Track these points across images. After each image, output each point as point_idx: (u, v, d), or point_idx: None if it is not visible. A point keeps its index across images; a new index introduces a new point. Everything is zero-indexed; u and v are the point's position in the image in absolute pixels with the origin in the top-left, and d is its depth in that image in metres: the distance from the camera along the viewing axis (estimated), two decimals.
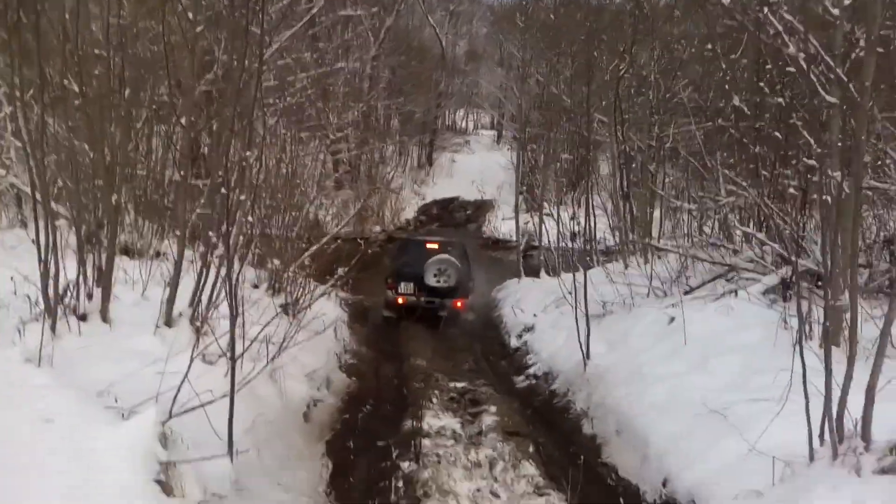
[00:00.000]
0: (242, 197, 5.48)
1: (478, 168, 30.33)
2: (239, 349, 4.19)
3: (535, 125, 20.81)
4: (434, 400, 7.09)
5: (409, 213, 25.99)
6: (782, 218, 7.50)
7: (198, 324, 5.71)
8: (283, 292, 8.23)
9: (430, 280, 11.59)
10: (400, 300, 11.69)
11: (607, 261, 15.17)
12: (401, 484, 4.95)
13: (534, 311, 11.49)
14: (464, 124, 45.30)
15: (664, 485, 4.70)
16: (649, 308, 8.16)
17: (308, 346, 7.56)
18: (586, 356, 7.25)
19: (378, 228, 23.34)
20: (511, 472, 5.15)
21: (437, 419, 6.18)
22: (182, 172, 5.84)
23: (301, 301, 8.17)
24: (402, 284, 11.67)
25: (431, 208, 27.88)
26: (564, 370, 7.99)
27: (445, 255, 11.81)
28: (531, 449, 5.67)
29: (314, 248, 8.17)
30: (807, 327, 5.83)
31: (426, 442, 5.75)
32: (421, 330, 12.02)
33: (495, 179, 26.86)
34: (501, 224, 23.46)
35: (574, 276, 11.40)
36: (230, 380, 4.05)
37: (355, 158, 27.12)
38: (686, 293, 8.68)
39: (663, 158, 13.92)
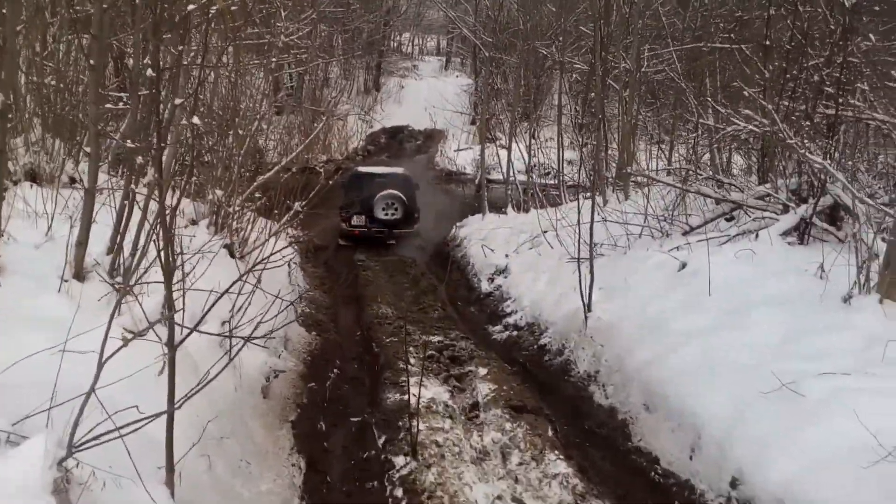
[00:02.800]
0: (179, 101, 4.15)
1: (427, 95, 28.71)
2: (178, 336, 2.94)
3: (490, 49, 19.47)
4: (411, 360, 6.04)
5: (357, 141, 24.35)
6: (803, 146, 6.58)
7: (118, 279, 4.42)
8: (226, 229, 6.91)
9: (380, 214, 12.59)
10: (353, 231, 12.69)
11: (575, 198, 14.37)
12: (400, 493, 3.91)
13: (505, 251, 10.50)
14: (409, 49, 43.12)
15: (733, 485, 3.81)
16: (649, 250, 7.24)
17: (259, 295, 6.36)
18: (587, 307, 6.28)
19: (324, 158, 21.76)
20: (534, 467, 4.17)
21: (422, 388, 5.13)
22: (92, 62, 4.38)
23: (250, 240, 6.89)
24: (355, 217, 12.64)
25: (380, 137, 26.30)
26: (554, 321, 7.04)
27: (393, 191, 12.64)
28: (549, 432, 4.69)
29: (264, 177, 6.83)
30: (861, 276, 4.98)
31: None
32: (380, 272, 10.93)
33: (445, 107, 25.39)
34: (456, 155, 22.23)
35: (551, 211, 10.63)
36: (168, 382, 2.82)
37: (298, 80, 25.16)
38: (685, 233, 7.80)
39: (641, 84, 12.89)
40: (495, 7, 21.01)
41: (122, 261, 4.63)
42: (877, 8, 7.96)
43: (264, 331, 5.02)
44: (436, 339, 7.22)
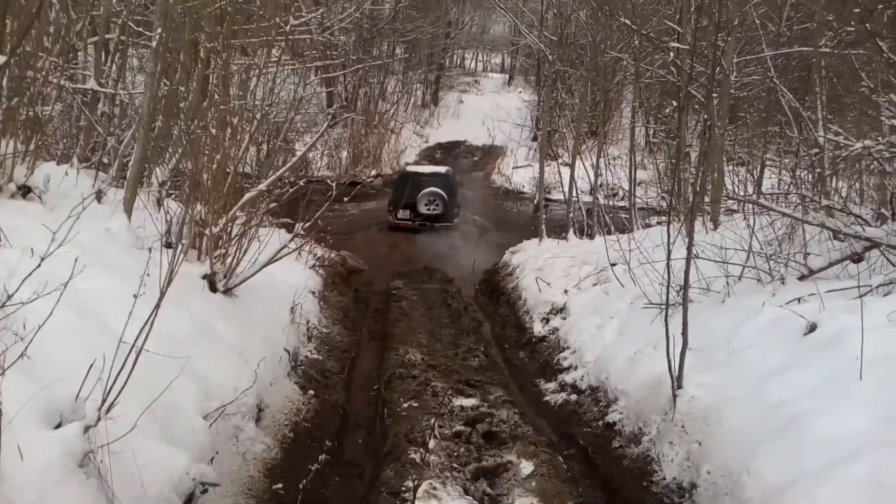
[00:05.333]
0: None
1: (487, 111, 27.24)
2: None
3: (555, 59, 17.94)
4: (430, 443, 4.42)
5: (410, 155, 23.05)
6: None
7: None
8: (212, 254, 5.47)
9: (422, 209, 14.11)
10: (399, 224, 14.20)
11: (649, 225, 12.52)
12: None
13: (564, 285, 8.81)
14: (473, 65, 41.96)
15: None
16: (759, 300, 5.44)
17: (241, 339, 4.88)
18: (677, 383, 4.53)
19: (373, 172, 20.51)
20: None
21: (435, 501, 3.52)
22: None
23: (237, 269, 5.44)
24: (400, 212, 14.21)
25: (435, 152, 24.98)
26: (626, 391, 5.31)
27: (435, 189, 14.12)
28: None
29: (248, 195, 5.36)
30: None
31: None
32: (417, 303, 9.39)
33: (506, 124, 23.85)
34: (513, 173, 20.63)
35: (622, 239, 8.83)
36: None
37: (353, 91, 24.10)
38: (803, 278, 5.97)
39: (730, 94, 11.02)
40: (563, 17, 19.55)
41: None
42: None
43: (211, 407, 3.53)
44: (470, 402, 5.59)
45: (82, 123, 7.77)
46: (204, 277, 5.18)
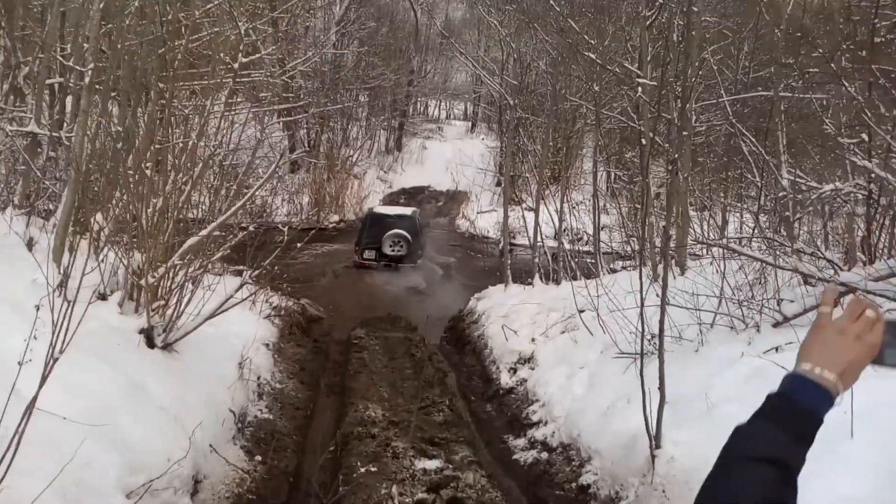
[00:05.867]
0: None
1: (450, 157, 27.27)
2: None
3: (519, 108, 18.07)
4: None
5: (374, 201, 22.79)
6: None
7: None
8: (148, 306, 5.03)
9: (387, 250, 14.38)
10: (364, 264, 14.37)
11: (615, 270, 12.38)
12: None
13: (531, 333, 8.51)
14: (436, 113, 42.30)
15: None
16: (734, 349, 5.20)
17: (178, 400, 4.43)
18: (655, 442, 4.20)
19: (335, 218, 20.17)
20: None
21: None
22: None
23: (179, 322, 5.00)
24: (366, 252, 14.47)
25: (398, 197, 24.77)
26: (600, 450, 4.95)
27: (399, 231, 14.44)
28: None
29: (189, 241, 4.94)
30: None
31: None
32: (378, 353, 8.99)
33: (469, 169, 23.83)
34: (478, 218, 20.48)
35: (590, 284, 8.58)
36: None
37: (316, 136, 23.88)
38: (777, 325, 5.76)
39: (692, 139, 11.04)
40: (523, 65, 19.79)
41: None
42: None
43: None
44: (433, 464, 5.18)
45: (21, 168, 7.32)
46: (141, 332, 4.73)
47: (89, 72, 4.77)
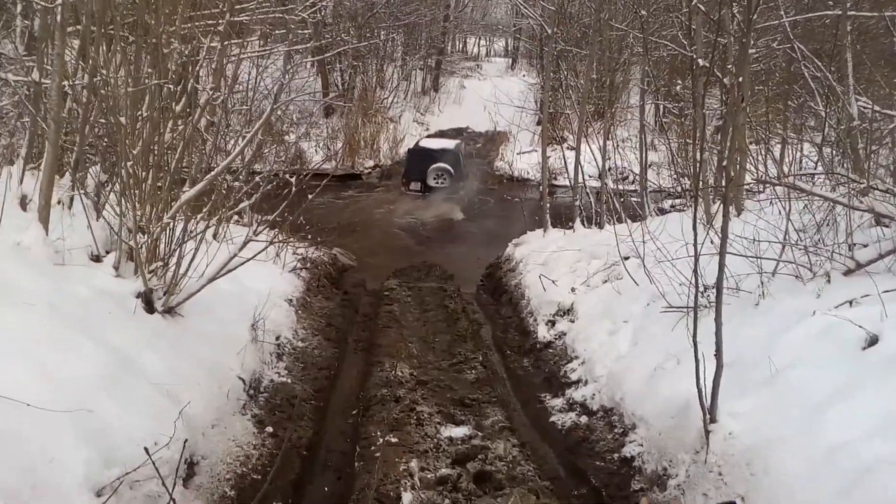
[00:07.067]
0: None
1: (490, 95, 26.23)
2: None
3: (560, 39, 17.01)
4: (407, 497, 3.57)
5: (410, 145, 22.14)
6: None
7: None
8: (143, 267, 4.62)
9: (431, 182, 15.72)
10: (410, 193, 15.65)
11: (663, 210, 11.61)
12: None
13: (571, 283, 7.94)
14: (475, 50, 40.87)
15: None
16: (801, 302, 4.55)
17: (175, 372, 4.04)
18: (710, 416, 3.65)
19: (371, 163, 19.64)
20: None
21: None
22: None
23: (179, 282, 4.59)
24: (412, 183, 15.76)
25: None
26: (645, 417, 4.43)
27: (443, 164, 15.73)
28: None
29: (187, 195, 4.44)
30: None
31: None
32: (411, 305, 8.58)
33: (509, 109, 22.86)
34: (517, 159, 19.69)
35: (635, 229, 7.91)
36: None
37: (349, 80, 23.17)
38: (848, 272, 5.06)
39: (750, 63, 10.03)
40: None
41: None
42: None
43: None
44: (461, 432, 4.75)
45: (26, 120, 6.94)
46: (138, 296, 4.35)
47: (58, 8, 4.27)
